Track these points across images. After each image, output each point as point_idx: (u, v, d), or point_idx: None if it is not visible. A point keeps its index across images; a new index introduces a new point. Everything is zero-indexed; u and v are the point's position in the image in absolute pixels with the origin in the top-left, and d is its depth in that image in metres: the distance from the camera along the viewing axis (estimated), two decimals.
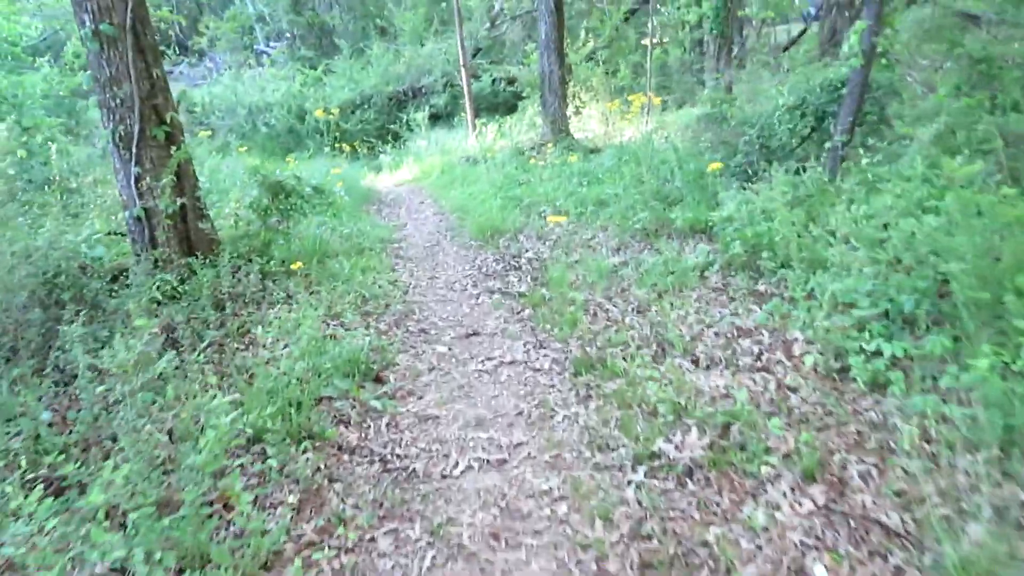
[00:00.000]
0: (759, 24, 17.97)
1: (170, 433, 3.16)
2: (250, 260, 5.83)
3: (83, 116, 11.98)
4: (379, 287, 5.63)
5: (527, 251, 6.56)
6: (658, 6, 16.55)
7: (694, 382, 3.50)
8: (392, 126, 16.11)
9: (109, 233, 5.78)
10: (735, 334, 4.05)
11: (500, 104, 17.47)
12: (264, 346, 4.10)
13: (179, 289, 4.98)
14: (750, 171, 6.34)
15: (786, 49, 18.00)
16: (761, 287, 4.63)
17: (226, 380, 3.76)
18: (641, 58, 15.01)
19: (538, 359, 4.11)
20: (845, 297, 3.64)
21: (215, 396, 2.83)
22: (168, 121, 5.33)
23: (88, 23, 4.97)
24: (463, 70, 13.43)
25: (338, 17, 22.82)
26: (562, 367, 3.94)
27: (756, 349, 3.81)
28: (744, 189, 5.72)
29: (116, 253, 5.65)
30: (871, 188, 4.61)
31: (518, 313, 5.00)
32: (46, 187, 8.68)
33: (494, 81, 17.21)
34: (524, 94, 14.95)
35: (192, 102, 19.04)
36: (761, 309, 4.30)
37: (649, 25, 11.96)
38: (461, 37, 13.39)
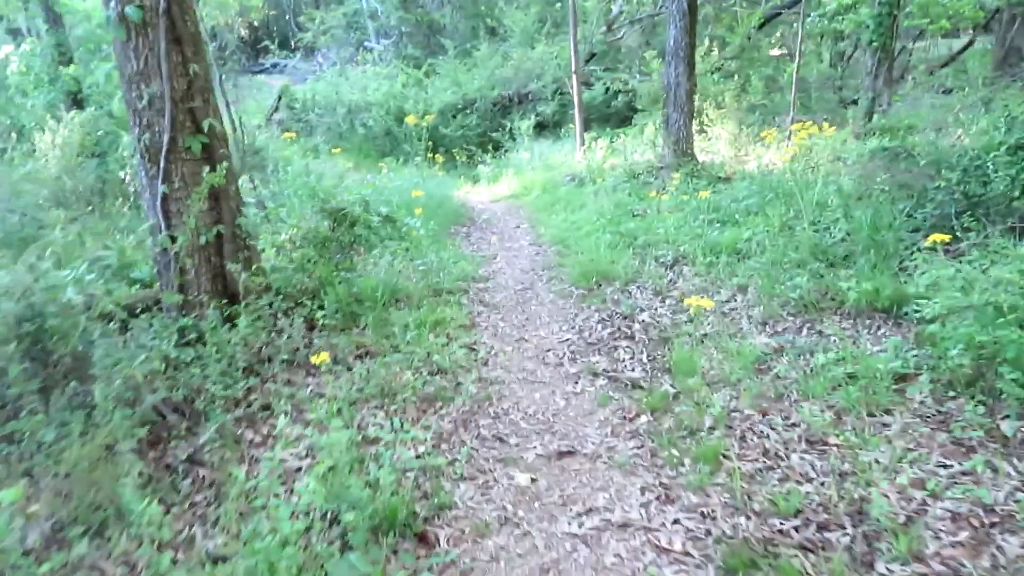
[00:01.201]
0: (915, 36, 15.82)
1: None
2: (298, 304, 4.73)
3: None
4: (451, 356, 4.38)
5: (642, 311, 5.17)
6: (796, 13, 14.72)
7: None
8: (494, 134, 15.00)
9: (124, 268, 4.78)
10: (983, 521, 2.55)
11: (612, 116, 16.07)
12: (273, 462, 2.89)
13: (196, 346, 3.90)
14: (950, 228, 4.73)
15: (944, 65, 15.74)
16: (1006, 427, 3.08)
17: (208, 533, 2.59)
18: (775, 71, 13.26)
19: (664, 525, 2.73)
20: None
21: None
22: (206, 130, 4.25)
23: (113, 4, 3.97)
24: (574, 76, 12.12)
25: (448, 16, 22.01)
26: (704, 556, 2.55)
27: None
28: (956, 259, 4.15)
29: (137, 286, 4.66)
30: None
31: (631, 419, 3.63)
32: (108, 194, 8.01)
33: (607, 90, 15.83)
34: (640, 106, 13.49)
35: (293, 98, 18.61)
36: (1015, 470, 2.78)
37: (799, 30, 10.26)
38: (575, 40, 12.09)
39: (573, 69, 12.13)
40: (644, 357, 4.40)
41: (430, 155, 11.47)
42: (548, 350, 4.71)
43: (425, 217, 7.77)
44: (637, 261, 6.35)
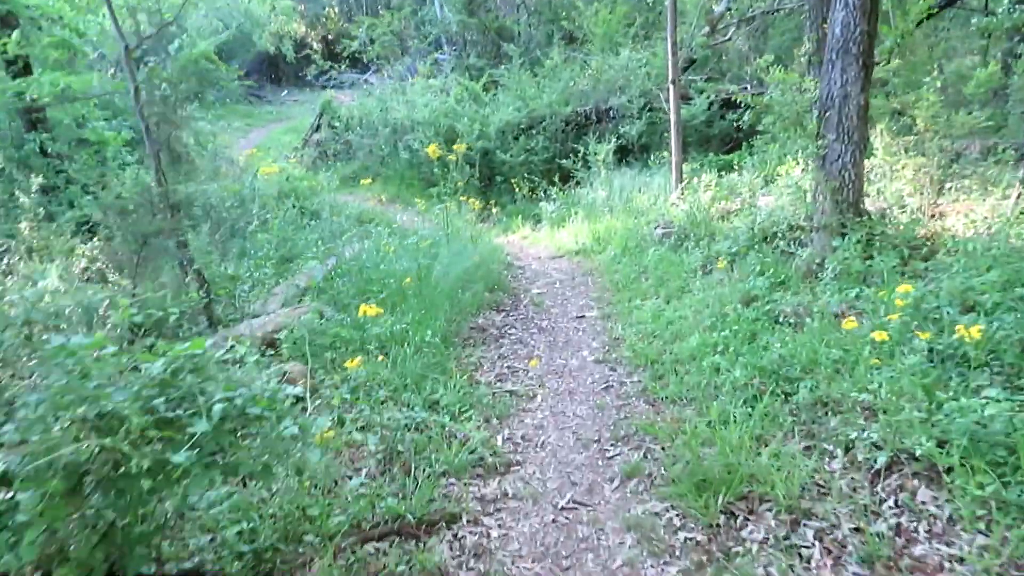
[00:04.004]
0: None
1: None
2: None
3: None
4: None
5: None
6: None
7: None
8: (564, 161, 11.86)
9: None
10: None
11: (714, 138, 12.70)
12: None
13: None
14: None
15: None
16: None
17: None
18: (955, 80, 9.59)
19: None
20: None
21: None
22: None
23: None
24: (671, 88, 8.89)
25: (523, 22, 19.03)
26: None
27: None
28: None
29: None
30: None
31: None
32: None
33: (710, 105, 12.46)
34: (757, 126, 10.03)
35: (335, 115, 16.06)
36: None
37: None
38: (673, 40, 8.86)
39: (670, 77, 8.89)
40: None
41: (464, 197, 8.43)
42: None
43: (426, 305, 4.77)
44: (804, 448, 3.12)
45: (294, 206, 9.75)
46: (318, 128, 16.63)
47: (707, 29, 14.03)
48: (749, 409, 3.52)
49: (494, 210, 11.88)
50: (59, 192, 8.36)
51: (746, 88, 13.28)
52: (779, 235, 5.94)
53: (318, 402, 3.75)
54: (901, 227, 5.52)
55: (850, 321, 3.93)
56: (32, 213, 5.77)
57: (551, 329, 5.49)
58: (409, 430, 3.49)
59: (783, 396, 3.60)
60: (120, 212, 4.80)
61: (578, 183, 11.36)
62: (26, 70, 8.36)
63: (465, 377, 4.28)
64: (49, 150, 8.62)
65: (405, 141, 13.69)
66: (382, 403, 3.76)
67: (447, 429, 3.60)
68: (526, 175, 12.24)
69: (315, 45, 26.49)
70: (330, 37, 28.89)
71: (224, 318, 5.41)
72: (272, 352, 4.44)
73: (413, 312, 4.95)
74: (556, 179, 11.48)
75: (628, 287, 6.23)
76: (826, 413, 3.40)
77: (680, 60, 12.19)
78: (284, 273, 6.82)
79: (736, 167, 9.81)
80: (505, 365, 4.71)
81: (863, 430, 3.13)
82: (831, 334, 4.05)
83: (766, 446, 3.21)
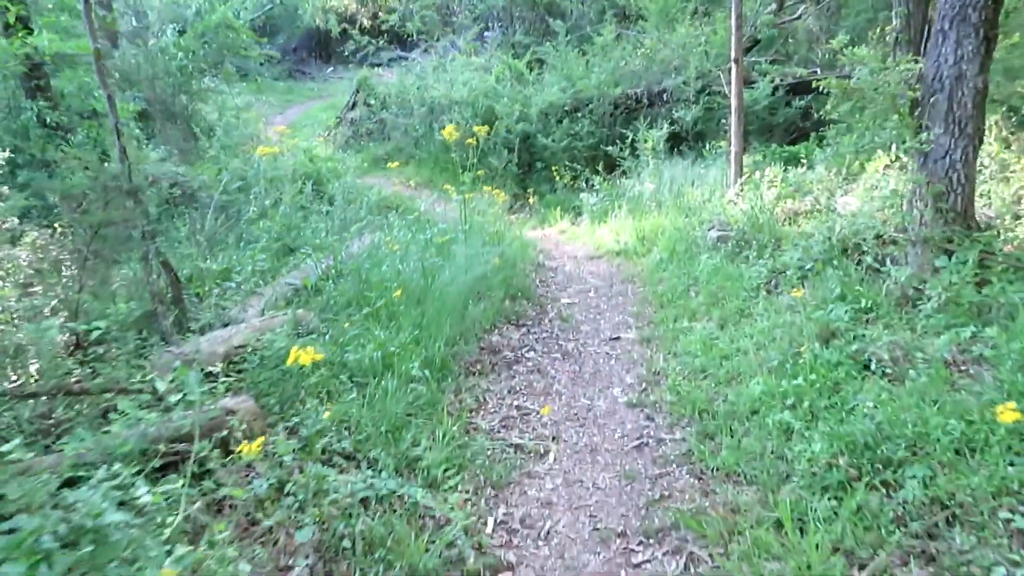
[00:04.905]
0: None
1: None
2: None
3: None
4: None
5: None
6: None
7: None
8: (610, 148, 10.80)
9: None
10: None
11: (777, 126, 11.46)
12: None
13: None
14: None
15: None
16: None
17: None
18: None
19: None
20: None
21: None
22: None
23: None
24: (734, 67, 7.77)
25: None
26: None
27: None
28: None
29: None
30: None
31: None
32: None
33: (774, 90, 11.22)
34: (830, 115, 8.82)
35: (372, 93, 15.23)
36: None
37: None
38: (739, 13, 7.72)
39: (733, 56, 7.76)
40: None
41: (490, 187, 7.48)
42: None
43: (424, 321, 3.91)
44: None
45: (313, 189, 8.90)
46: (353, 106, 15.83)
47: (773, 6, 12.74)
48: (834, 503, 2.54)
49: (531, 200, 10.91)
50: (54, 168, 7.70)
51: (816, 72, 12.05)
52: (864, 248, 4.84)
53: (262, 457, 2.88)
54: (1006, 241, 4.41)
55: (965, 375, 2.90)
56: None
57: (578, 354, 4.53)
58: (367, 509, 2.61)
59: (883, 488, 2.60)
60: (63, 197, 4.01)
61: (624, 173, 10.29)
62: (28, 32, 7.68)
63: (459, 424, 3.36)
64: (48, 120, 7.94)
65: (441, 122, 12.77)
66: (342, 465, 2.88)
67: (420, 506, 2.70)
68: (568, 162, 11.21)
69: (365, 22, 25.66)
70: (380, 14, 27.99)
71: (194, 324, 4.59)
72: (228, 377, 3.61)
73: (408, 330, 4.06)
74: (600, 168, 10.43)
75: (674, 302, 5.22)
76: (949, 523, 2.39)
77: (745, 40, 10.98)
78: (282, 268, 6.01)
79: (803, 160, 8.65)
80: (514, 404, 3.78)
81: (1016, 564, 2.12)
82: (943, 393, 3.02)
83: (862, 570, 2.24)
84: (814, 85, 7.50)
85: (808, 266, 4.94)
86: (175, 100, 9.75)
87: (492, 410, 3.69)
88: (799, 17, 12.89)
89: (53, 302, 4.10)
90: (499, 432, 3.45)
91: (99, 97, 8.71)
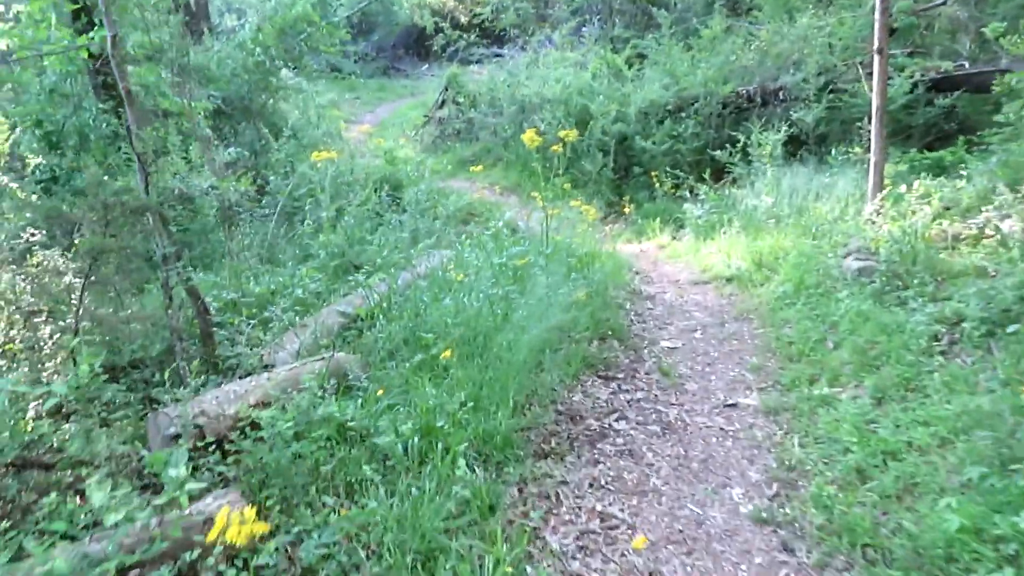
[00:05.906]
0: None
1: None
2: None
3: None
4: None
5: None
6: None
7: None
8: (717, 152, 9.61)
9: None
10: None
11: (917, 130, 9.90)
12: None
13: None
14: None
15: None
16: None
17: None
18: None
19: None
20: None
21: None
22: None
23: None
24: (876, 59, 6.51)
25: None
26: None
27: None
28: None
29: None
30: None
31: None
32: None
33: (913, 87, 9.71)
34: (996, 115, 7.34)
35: (461, 91, 14.52)
36: None
37: None
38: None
39: (876, 46, 6.48)
40: None
41: (578, 201, 6.48)
42: None
43: (486, 380, 3.02)
44: None
45: (389, 195, 8.15)
46: (442, 104, 15.17)
47: None
48: None
49: (627, 208, 9.87)
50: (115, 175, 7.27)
51: (962, 65, 10.50)
52: None
53: None
54: None
55: None
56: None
57: (682, 427, 3.51)
58: None
59: None
60: (56, 217, 3.35)
61: (734, 181, 9.09)
62: (90, 26, 7.27)
63: (519, 548, 2.44)
64: (107, 123, 7.54)
65: (532, 121, 11.89)
66: None
67: None
68: (669, 168, 10.09)
69: (462, 18, 25.10)
70: (477, 10, 27.35)
71: (218, 366, 3.87)
72: (226, 460, 2.80)
73: (466, 388, 3.18)
74: (706, 175, 9.26)
75: (807, 355, 4.12)
76: None
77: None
78: (338, 290, 5.26)
79: (949, 169, 7.28)
80: (597, 508, 2.81)
81: None
82: None
83: None
84: (1004, 80, 6.24)
85: (992, 318, 3.74)
86: (252, 98, 9.30)
87: (566, 517, 2.74)
88: (944, 2, 11.25)
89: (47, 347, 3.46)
90: (573, 559, 2.50)
91: (169, 96, 8.29)
